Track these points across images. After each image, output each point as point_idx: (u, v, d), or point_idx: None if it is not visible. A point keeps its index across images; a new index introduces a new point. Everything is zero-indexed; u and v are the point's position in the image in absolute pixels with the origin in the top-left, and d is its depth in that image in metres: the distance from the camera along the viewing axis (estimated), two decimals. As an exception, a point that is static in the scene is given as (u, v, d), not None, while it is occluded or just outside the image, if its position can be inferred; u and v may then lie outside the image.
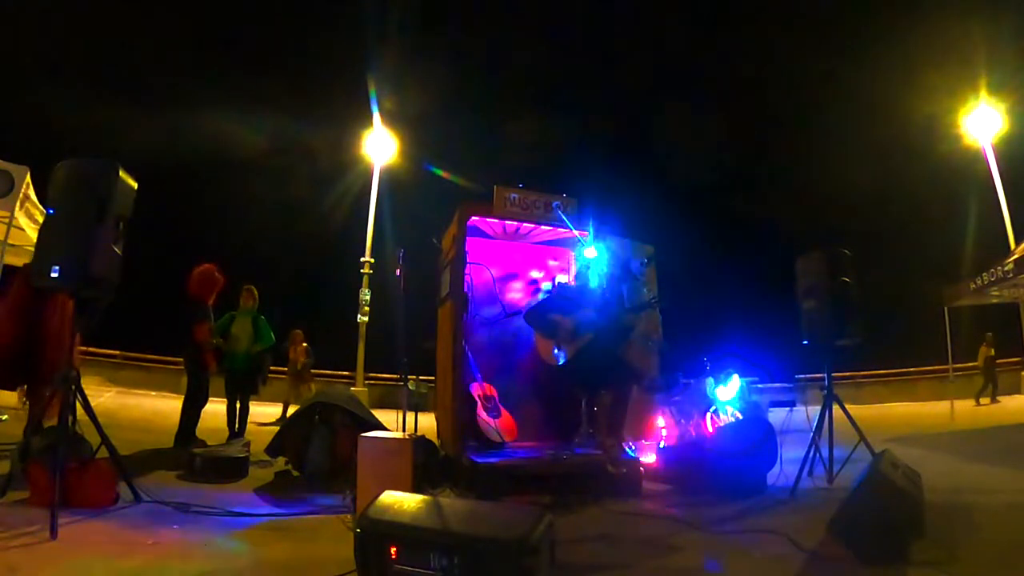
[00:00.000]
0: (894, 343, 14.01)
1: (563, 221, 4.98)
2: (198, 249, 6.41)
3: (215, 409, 6.22)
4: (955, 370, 10.65)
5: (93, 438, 3.54)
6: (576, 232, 4.98)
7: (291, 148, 19.93)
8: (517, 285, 5.84)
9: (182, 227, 16.55)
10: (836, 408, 4.41)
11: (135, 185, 3.39)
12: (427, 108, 19.14)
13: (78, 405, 3.37)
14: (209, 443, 5.30)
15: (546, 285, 5.79)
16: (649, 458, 4.97)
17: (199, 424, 5.73)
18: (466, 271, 5.00)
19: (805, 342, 4.63)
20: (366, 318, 13.40)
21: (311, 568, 2.58)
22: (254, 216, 18.31)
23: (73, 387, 3.28)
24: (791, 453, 4.52)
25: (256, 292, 6.36)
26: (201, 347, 5.68)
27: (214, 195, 18.92)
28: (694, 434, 4.91)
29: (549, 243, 5.84)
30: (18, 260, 5.60)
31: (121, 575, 2.41)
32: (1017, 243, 11.03)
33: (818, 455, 4.36)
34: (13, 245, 5.80)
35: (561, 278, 5.82)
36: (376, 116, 14.95)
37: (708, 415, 5.27)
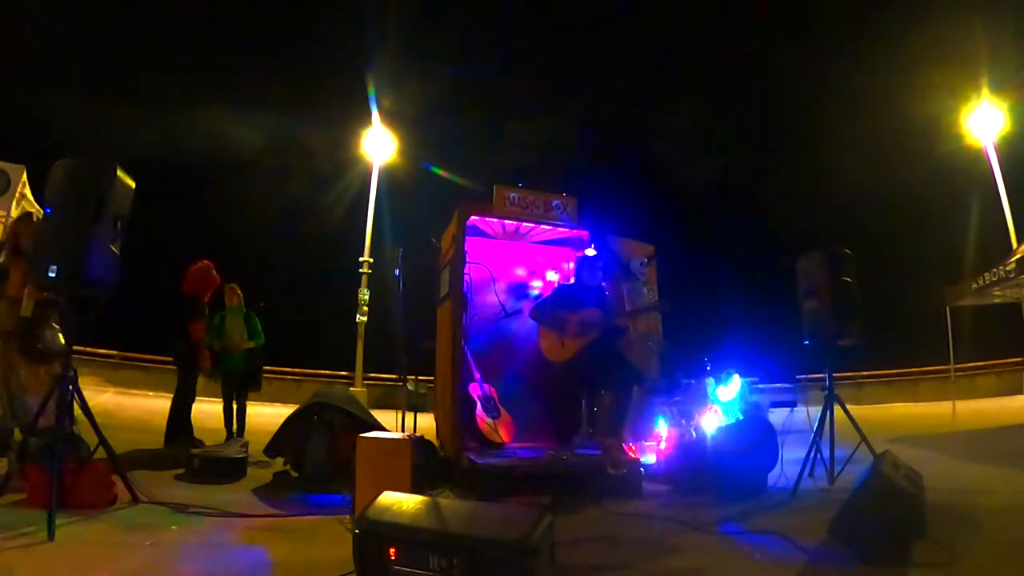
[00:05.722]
0: (895, 343, 13.97)
1: (563, 220, 4.95)
2: (197, 248, 6.36)
3: (212, 409, 6.20)
4: (957, 370, 10.64)
5: (91, 438, 3.53)
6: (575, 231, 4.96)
7: (289, 147, 19.93)
8: (517, 285, 5.83)
9: (181, 227, 16.54)
10: (837, 408, 4.39)
11: (133, 184, 3.37)
12: (426, 107, 19.13)
13: (75, 405, 3.35)
14: (207, 444, 5.29)
15: (538, 283, 5.78)
16: (649, 459, 4.96)
17: (197, 424, 5.71)
18: (466, 271, 4.99)
19: (806, 342, 4.61)
20: (365, 318, 13.39)
21: (310, 569, 2.57)
22: (252, 215, 18.30)
23: (71, 387, 3.27)
24: (792, 454, 4.51)
25: (239, 290, 6.28)
26: (195, 345, 5.65)
27: (213, 194, 18.92)
28: (694, 435, 4.89)
29: (549, 242, 5.82)
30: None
31: (118, 576, 2.39)
32: (1019, 243, 11.00)
33: (819, 456, 4.34)
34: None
35: (554, 276, 5.81)
36: (375, 115, 14.96)
37: (708, 416, 5.25)
